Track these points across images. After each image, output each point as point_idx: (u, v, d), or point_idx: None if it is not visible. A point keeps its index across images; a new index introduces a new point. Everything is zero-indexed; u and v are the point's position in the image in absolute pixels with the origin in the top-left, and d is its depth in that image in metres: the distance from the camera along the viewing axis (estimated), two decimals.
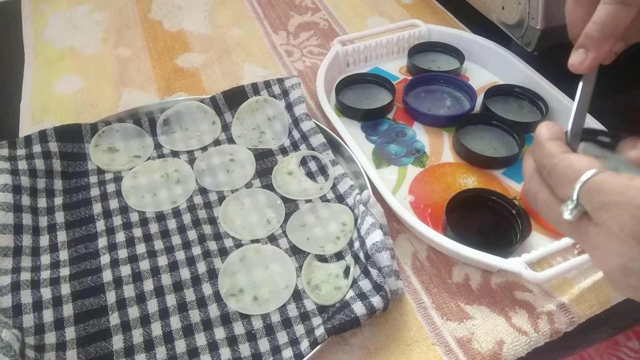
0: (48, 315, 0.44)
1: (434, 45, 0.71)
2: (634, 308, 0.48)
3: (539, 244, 0.49)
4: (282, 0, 0.84)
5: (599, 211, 0.27)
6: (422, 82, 0.65)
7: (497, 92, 0.63)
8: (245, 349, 0.43)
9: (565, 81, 0.63)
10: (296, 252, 0.49)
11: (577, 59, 0.40)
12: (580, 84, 0.40)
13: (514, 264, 0.44)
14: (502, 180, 0.55)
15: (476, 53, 0.69)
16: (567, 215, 0.29)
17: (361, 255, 0.47)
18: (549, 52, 0.63)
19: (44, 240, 0.50)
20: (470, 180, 0.55)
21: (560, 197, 0.30)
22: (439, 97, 0.64)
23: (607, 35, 0.38)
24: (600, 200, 0.27)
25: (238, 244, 0.50)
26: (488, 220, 0.51)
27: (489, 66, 0.69)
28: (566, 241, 0.47)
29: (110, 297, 0.46)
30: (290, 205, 0.53)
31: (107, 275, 0.47)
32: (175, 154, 0.58)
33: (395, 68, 0.70)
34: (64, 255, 0.49)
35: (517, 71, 0.65)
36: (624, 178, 0.27)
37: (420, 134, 0.61)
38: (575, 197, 0.28)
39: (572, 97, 0.58)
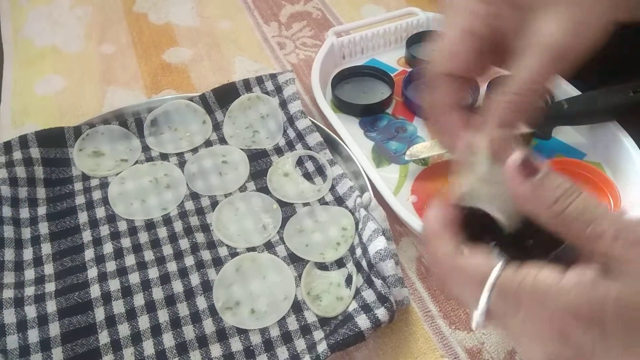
0: (33, 336, 0.42)
1: (434, 35, 0.67)
2: None
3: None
4: None
5: (514, 314, 0.26)
6: (422, 74, 0.62)
7: (500, 83, 0.60)
8: None
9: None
10: (295, 260, 0.47)
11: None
12: None
13: None
14: None
15: None
16: (477, 323, 0.27)
17: (364, 263, 0.44)
18: None
19: (28, 254, 0.47)
20: None
21: (468, 296, 0.28)
22: None
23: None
24: (511, 305, 0.26)
25: (233, 253, 0.47)
26: (495, 222, 0.49)
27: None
28: None
29: (99, 314, 0.43)
30: (287, 209, 0.50)
31: (95, 291, 0.44)
32: (164, 156, 0.55)
33: (393, 59, 0.67)
34: (49, 269, 0.46)
35: None
36: (529, 275, 0.25)
37: (422, 129, 0.58)
38: (484, 306, 0.26)
39: (579, 87, 0.57)
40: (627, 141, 0.52)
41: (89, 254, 0.47)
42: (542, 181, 0.26)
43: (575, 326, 0.24)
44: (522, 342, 0.27)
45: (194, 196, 0.52)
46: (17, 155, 0.51)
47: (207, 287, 0.45)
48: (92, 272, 0.46)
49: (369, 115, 0.59)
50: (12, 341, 0.41)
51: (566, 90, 0.57)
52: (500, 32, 0.33)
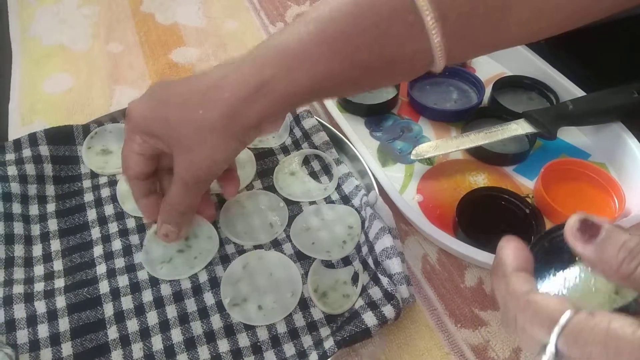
0: (43, 331, 0.42)
1: None
2: None
3: None
4: None
5: (584, 348, 0.25)
6: (427, 75, 0.63)
7: (505, 83, 0.61)
8: None
9: (576, 71, 0.61)
10: (301, 258, 0.47)
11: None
12: None
13: None
14: (513, 177, 0.53)
15: None
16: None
17: (370, 261, 0.44)
18: (558, 40, 0.61)
19: (37, 250, 0.48)
20: (480, 178, 0.53)
21: (535, 336, 0.28)
22: (445, 90, 0.62)
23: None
24: (581, 351, 0.25)
25: (240, 250, 0.48)
26: (501, 220, 0.49)
27: (497, 56, 0.66)
28: None
29: (108, 309, 0.44)
30: (294, 208, 0.51)
31: (103, 287, 0.45)
32: None
33: None
34: (58, 265, 0.47)
35: (525, 61, 0.62)
36: (602, 322, 0.25)
37: (427, 130, 0.58)
38: (553, 348, 0.26)
39: (583, 87, 0.57)
40: (632, 141, 0.52)
41: (98, 250, 0.47)
42: (604, 243, 0.26)
43: None
44: None
45: None
46: (27, 152, 0.51)
47: (214, 283, 0.45)
48: (101, 269, 0.46)
49: (374, 115, 0.60)
50: (22, 336, 0.42)
51: (571, 91, 0.57)
52: (161, 152, 0.43)
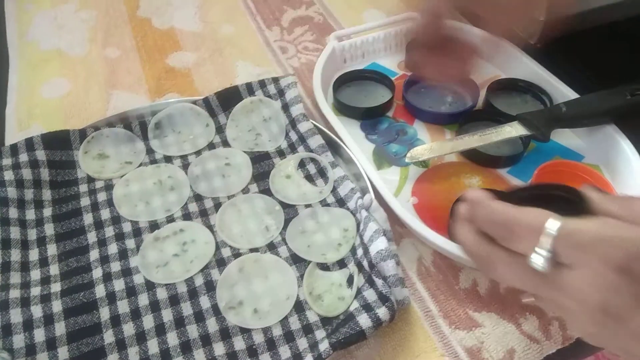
0: (39, 335, 0.42)
1: None
2: None
3: None
4: None
5: (576, 254, 0.28)
6: (420, 79, 0.63)
7: (499, 86, 0.61)
8: None
9: (570, 73, 0.61)
10: (297, 261, 0.47)
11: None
12: None
13: None
14: (507, 179, 0.54)
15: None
16: (541, 265, 0.28)
17: (365, 263, 0.45)
18: (553, 43, 0.61)
19: (34, 255, 0.48)
20: (475, 180, 0.54)
21: (523, 251, 0.29)
22: (440, 93, 0.62)
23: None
24: (577, 242, 0.27)
25: (236, 254, 0.48)
26: None
27: (491, 59, 0.66)
28: None
29: (104, 313, 0.44)
30: (290, 211, 0.51)
31: (100, 291, 0.45)
32: (168, 159, 0.56)
33: (394, 63, 0.68)
34: (54, 269, 0.47)
35: (520, 64, 0.63)
36: (596, 218, 0.27)
37: (422, 132, 0.59)
38: (549, 245, 0.28)
39: (577, 90, 0.58)
40: (625, 144, 0.52)
41: (94, 254, 0.48)
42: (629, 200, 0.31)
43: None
44: (574, 294, 0.28)
45: (198, 198, 0.52)
46: (24, 157, 0.52)
47: (210, 287, 0.45)
48: (97, 273, 0.46)
49: (369, 118, 0.60)
50: (19, 340, 0.42)
51: (565, 93, 0.58)
52: None
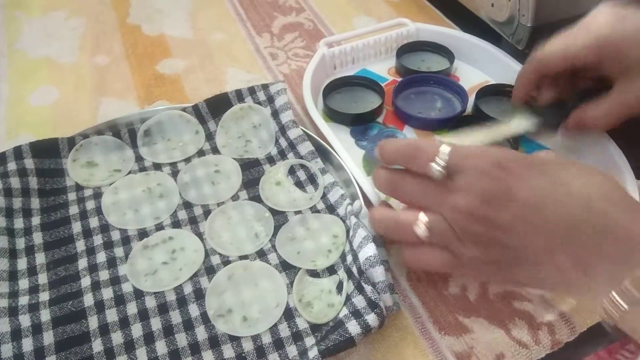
0: (28, 345, 0.42)
1: (423, 45, 0.69)
2: None
3: None
4: (265, 1, 0.81)
5: (464, 161, 0.36)
6: (411, 84, 0.64)
7: (488, 92, 0.62)
8: None
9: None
10: (286, 268, 0.47)
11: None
12: None
13: None
14: None
15: (466, 52, 0.67)
16: (438, 172, 0.36)
17: (354, 269, 0.45)
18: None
19: (22, 264, 0.48)
20: None
21: (423, 168, 0.37)
22: (430, 99, 0.63)
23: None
24: (463, 154, 0.36)
25: (225, 261, 0.48)
26: None
27: (480, 65, 0.67)
28: None
29: (93, 322, 0.43)
30: (279, 218, 0.51)
31: (88, 299, 0.45)
32: (157, 166, 0.56)
33: (384, 69, 0.68)
34: (43, 278, 0.47)
35: (508, 70, 0.63)
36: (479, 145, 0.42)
37: (412, 138, 0.59)
38: (444, 159, 0.36)
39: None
40: (612, 147, 0.53)
41: (83, 263, 0.47)
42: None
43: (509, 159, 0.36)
44: (461, 189, 0.36)
45: (187, 205, 0.52)
46: (12, 166, 0.51)
47: (199, 295, 0.45)
48: (86, 281, 0.46)
49: (359, 124, 0.60)
50: (7, 350, 0.42)
51: None
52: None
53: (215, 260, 0.48)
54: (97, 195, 0.53)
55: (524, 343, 0.43)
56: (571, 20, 0.49)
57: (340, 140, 0.55)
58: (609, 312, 0.32)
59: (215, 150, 0.57)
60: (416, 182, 0.39)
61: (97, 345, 0.42)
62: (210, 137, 0.58)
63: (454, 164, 0.36)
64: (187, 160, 0.56)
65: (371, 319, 0.41)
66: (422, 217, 0.38)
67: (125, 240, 0.49)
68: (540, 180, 0.35)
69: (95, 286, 0.45)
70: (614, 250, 0.32)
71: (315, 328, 0.43)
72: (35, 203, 0.51)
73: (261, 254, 0.48)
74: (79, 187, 0.53)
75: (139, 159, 0.56)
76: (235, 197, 0.53)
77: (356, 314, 0.41)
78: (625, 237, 0.32)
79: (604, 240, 0.32)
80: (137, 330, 0.43)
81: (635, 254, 0.32)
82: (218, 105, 0.59)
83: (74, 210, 0.52)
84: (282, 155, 0.56)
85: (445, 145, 0.37)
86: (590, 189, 0.34)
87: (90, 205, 0.52)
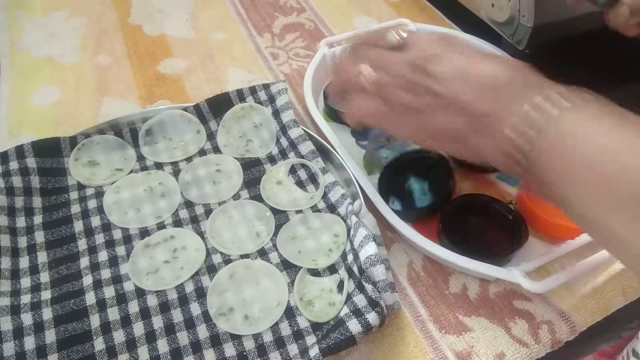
0: (30, 343, 0.42)
1: None
2: (633, 314, 0.47)
3: (537, 250, 0.48)
4: (266, 1, 0.82)
5: (416, 35, 0.42)
6: None
7: None
8: None
9: (558, 79, 0.62)
10: (287, 267, 0.47)
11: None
12: None
13: (513, 273, 0.43)
14: (497, 184, 0.54)
15: None
16: (394, 37, 0.42)
17: (355, 269, 0.45)
18: (541, 49, 0.62)
19: (24, 262, 0.48)
20: (464, 185, 0.54)
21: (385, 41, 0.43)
22: None
23: None
24: (418, 35, 0.42)
25: (227, 260, 0.48)
26: (484, 227, 0.50)
27: None
28: (564, 248, 0.46)
29: (94, 320, 0.44)
30: (280, 217, 0.51)
31: (90, 298, 0.45)
32: (159, 165, 0.56)
33: None
34: (44, 277, 0.47)
35: None
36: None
37: None
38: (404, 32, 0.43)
39: None
40: None
41: (84, 262, 0.48)
42: None
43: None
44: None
45: (188, 204, 0.52)
46: (14, 165, 0.51)
47: (201, 293, 0.45)
48: (87, 280, 0.46)
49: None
50: (9, 348, 0.42)
51: None
52: None
53: (216, 259, 0.48)
54: (99, 194, 0.53)
55: (524, 342, 0.43)
56: (571, 21, 0.49)
57: (340, 139, 0.56)
58: (522, 133, 0.34)
59: (216, 150, 0.57)
60: (375, 50, 0.43)
61: (99, 344, 0.42)
62: (211, 136, 0.58)
63: (408, 38, 0.42)
64: (189, 159, 0.56)
65: (372, 317, 0.41)
66: (367, 69, 0.42)
67: (127, 239, 0.49)
68: (477, 53, 0.39)
69: (97, 285, 0.46)
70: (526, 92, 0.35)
71: (316, 327, 0.43)
72: (37, 202, 0.52)
73: (262, 253, 0.48)
74: (80, 186, 0.53)
75: (140, 158, 0.56)
76: (236, 197, 0.53)
77: (357, 312, 0.42)
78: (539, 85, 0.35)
79: (521, 89, 0.35)
80: (138, 328, 0.43)
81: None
82: (219, 104, 0.59)
83: (75, 209, 0.52)
84: (283, 154, 0.56)
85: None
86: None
87: (92, 204, 0.52)
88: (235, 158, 0.56)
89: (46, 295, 0.45)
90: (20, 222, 0.50)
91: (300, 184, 0.54)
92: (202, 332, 0.43)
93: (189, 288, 0.46)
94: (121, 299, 0.45)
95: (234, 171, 0.55)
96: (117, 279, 0.46)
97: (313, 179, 0.54)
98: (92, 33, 0.75)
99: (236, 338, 0.43)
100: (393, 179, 0.53)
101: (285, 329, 0.43)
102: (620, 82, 0.54)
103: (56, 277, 0.47)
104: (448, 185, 0.51)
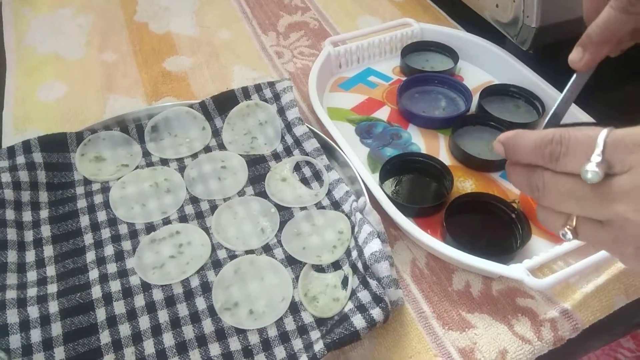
0: (36, 335, 0.43)
1: (427, 45, 0.69)
2: (634, 312, 0.47)
3: (539, 248, 0.48)
4: (271, 0, 0.82)
5: (631, 156, 0.27)
6: (416, 83, 0.64)
7: (492, 92, 0.62)
8: None
9: (562, 80, 0.62)
10: (292, 263, 0.48)
11: (575, 57, 0.43)
12: (574, 76, 0.44)
13: (516, 271, 0.43)
14: (500, 182, 0.54)
15: (470, 52, 0.68)
16: (592, 172, 0.27)
17: (359, 265, 0.45)
18: (545, 50, 0.62)
19: (30, 256, 0.48)
20: (468, 184, 0.54)
21: (573, 169, 0.29)
22: (434, 98, 0.63)
23: (606, 38, 0.41)
24: (630, 144, 0.27)
25: (232, 255, 0.48)
26: (488, 225, 0.50)
27: (484, 65, 0.68)
28: (567, 246, 0.46)
29: (100, 314, 0.44)
30: (285, 213, 0.52)
31: (96, 292, 0.45)
32: (164, 161, 0.56)
33: (389, 69, 0.69)
34: (51, 271, 0.47)
35: (512, 70, 0.64)
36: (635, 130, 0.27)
37: (416, 136, 0.59)
38: (600, 150, 0.27)
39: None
40: None
41: (90, 256, 0.48)
42: None
43: None
44: (628, 197, 0.27)
45: (194, 200, 0.53)
46: (20, 159, 0.52)
47: (206, 288, 0.46)
48: (94, 274, 0.46)
49: (364, 122, 0.61)
50: (15, 340, 0.42)
51: (556, 98, 0.58)
52: None
53: (221, 254, 0.48)
54: (105, 189, 0.53)
55: (526, 339, 0.43)
56: (576, 21, 0.49)
57: (345, 137, 0.56)
58: None
59: (221, 147, 0.58)
60: (563, 185, 0.30)
61: (105, 337, 0.43)
62: (216, 133, 0.59)
63: (616, 161, 0.27)
64: (194, 156, 0.57)
65: (376, 313, 0.41)
66: (571, 225, 0.30)
67: (133, 234, 0.50)
68: None
69: (103, 279, 0.46)
70: None
71: (320, 322, 0.44)
72: (43, 196, 0.52)
73: (267, 249, 0.49)
74: (86, 181, 0.54)
75: (146, 154, 0.57)
76: (241, 193, 0.53)
77: (361, 308, 0.42)
78: None
79: None
80: (144, 322, 0.44)
81: None
82: (225, 102, 0.59)
83: (81, 203, 0.52)
84: (288, 152, 0.57)
85: (602, 135, 0.28)
86: None
87: (98, 199, 0.52)
88: (241, 155, 0.56)
89: (52, 288, 0.46)
90: (27, 216, 0.50)
91: (304, 181, 0.55)
92: (208, 326, 0.44)
93: (195, 283, 0.46)
94: (127, 293, 0.45)
95: (239, 168, 0.55)
96: (123, 273, 0.46)
97: (317, 176, 0.54)
98: (98, 30, 0.75)
99: (241, 332, 0.43)
100: (392, 174, 0.54)
101: (290, 324, 0.44)
102: (626, 83, 0.54)
103: (62, 271, 0.47)
104: (445, 186, 0.52)
